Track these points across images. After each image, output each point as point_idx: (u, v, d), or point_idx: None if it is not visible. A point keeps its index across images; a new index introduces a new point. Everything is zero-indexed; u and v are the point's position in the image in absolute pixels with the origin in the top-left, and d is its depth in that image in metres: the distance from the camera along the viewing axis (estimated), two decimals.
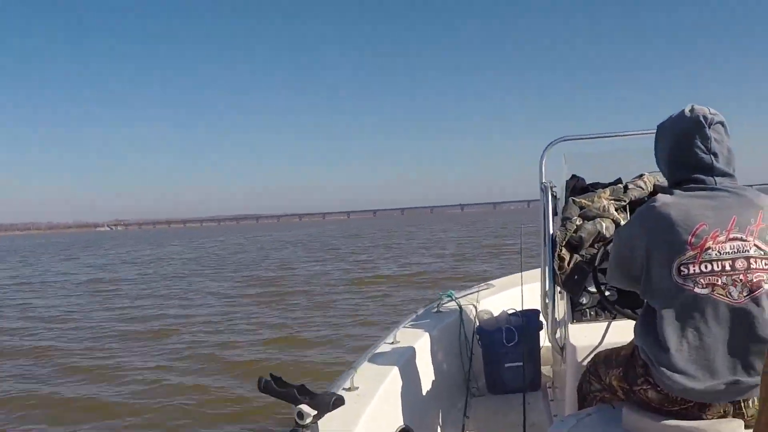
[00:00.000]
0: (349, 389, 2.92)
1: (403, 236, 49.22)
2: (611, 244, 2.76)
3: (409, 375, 3.44)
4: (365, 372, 3.18)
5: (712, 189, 2.22)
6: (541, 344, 4.49)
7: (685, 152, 2.26)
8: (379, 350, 3.57)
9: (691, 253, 2.15)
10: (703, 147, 2.23)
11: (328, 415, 2.34)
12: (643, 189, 3.50)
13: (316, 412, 2.17)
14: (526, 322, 4.32)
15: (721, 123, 2.26)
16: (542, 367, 4.54)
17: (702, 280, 2.13)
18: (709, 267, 2.13)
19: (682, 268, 2.15)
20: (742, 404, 2.14)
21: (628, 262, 2.36)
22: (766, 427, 0.76)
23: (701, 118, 2.23)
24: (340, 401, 2.22)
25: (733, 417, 2.15)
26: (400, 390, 3.26)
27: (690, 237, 2.15)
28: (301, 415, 2.17)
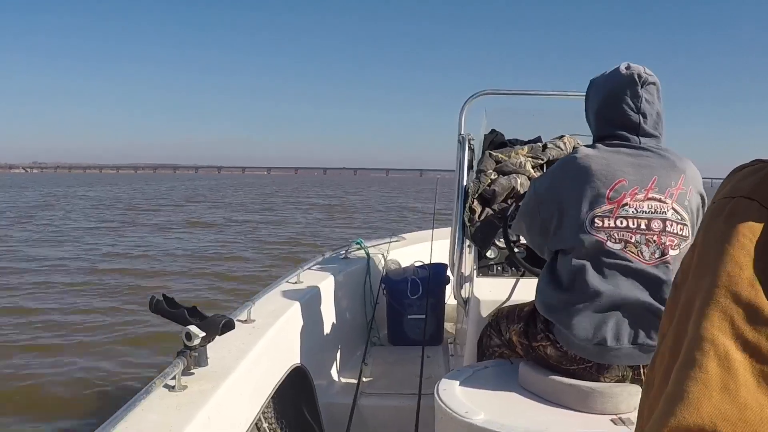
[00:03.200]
0: (245, 321, 2.83)
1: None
2: None
3: (310, 315, 3.37)
4: (264, 306, 3.10)
5: (636, 147, 2.20)
6: (446, 300, 4.49)
7: (614, 108, 2.23)
8: (280, 288, 3.48)
9: (608, 207, 2.13)
10: (632, 105, 2.20)
11: (220, 343, 2.26)
12: (561, 150, 3.49)
13: (204, 334, 2.09)
14: (433, 275, 4.30)
15: (655, 84, 2.23)
16: (446, 324, 4.55)
17: (615, 235, 2.12)
18: (624, 223, 2.12)
19: (596, 221, 2.13)
20: (642, 370, 2.13)
21: (540, 211, 2.33)
22: (659, 366, 0.71)
23: (635, 76, 2.20)
24: (230, 325, 2.14)
25: (631, 382, 2.15)
26: (298, 329, 3.19)
27: (608, 191, 2.14)
28: (189, 336, 2.09)
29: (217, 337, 2.18)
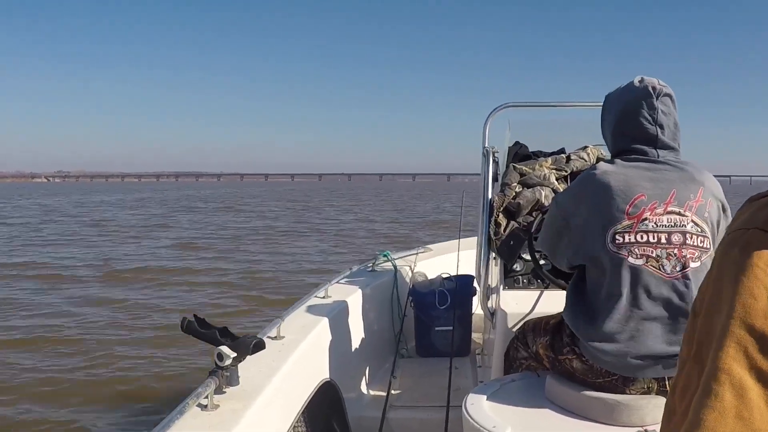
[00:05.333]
0: (275, 338, 2.88)
1: None
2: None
3: (338, 330, 3.41)
4: (293, 322, 3.14)
5: (654, 161, 2.21)
6: (473, 311, 4.50)
7: (631, 122, 2.24)
8: (309, 303, 3.53)
9: (627, 222, 2.15)
10: (649, 118, 2.21)
11: (251, 361, 2.31)
12: (585, 161, 3.50)
13: (235, 355, 2.14)
14: (460, 286, 4.32)
15: (670, 96, 2.24)
16: (473, 334, 4.56)
17: (636, 250, 2.13)
18: (645, 238, 2.13)
19: (617, 237, 2.15)
20: (667, 382, 2.14)
21: (562, 227, 2.35)
22: (681, 395, 0.74)
23: (650, 89, 2.21)
24: (260, 345, 2.19)
25: (657, 394, 2.16)
26: (327, 343, 3.23)
27: (628, 207, 2.15)
28: (220, 356, 2.14)
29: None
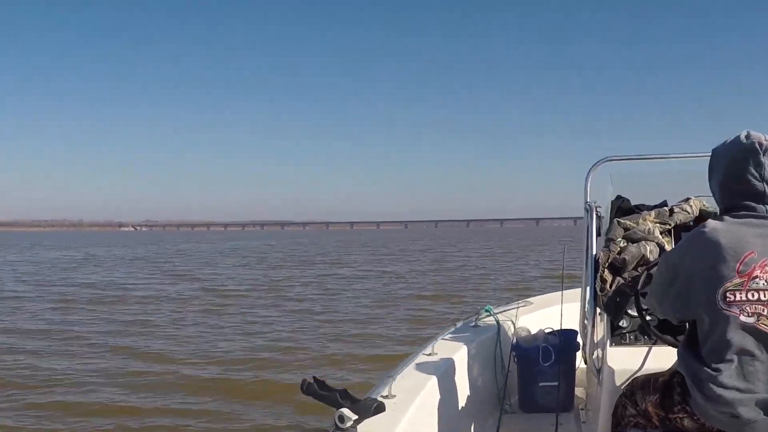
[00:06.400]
0: (386, 397, 2.94)
1: None
2: (654, 267, 2.73)
3: (445, 387, 3.45)
4: (403, 381, 3.21)
5: (764, 217, 2.19)
6: (576, 365, 4.47)
7: (738, 178, 2.22)
8: (417, 361, 3.60)
9: (739, 280, 2.12)
10: (756, 174, 2.19)
11: (367, 421, 2.38)
12: (689, 213, 3.48)
13: (356, 417, 2.21)
14: (564, 341, 4.29)
15: None
16: (576, 389, 4.52)
17: (748, 308, 2.10)
18: (756, 296, 2.10)
19: (728, 295, 2.13)
20: None
21: (671, 285, 2.34)
22: None
23: (756, 145, 2.20)
24: (381, 408, 2.26)
25: None
26: (436, 402, 3.28)
27: (738, 264, 2.12)
28: (342, 418, 2.21)
29: None
